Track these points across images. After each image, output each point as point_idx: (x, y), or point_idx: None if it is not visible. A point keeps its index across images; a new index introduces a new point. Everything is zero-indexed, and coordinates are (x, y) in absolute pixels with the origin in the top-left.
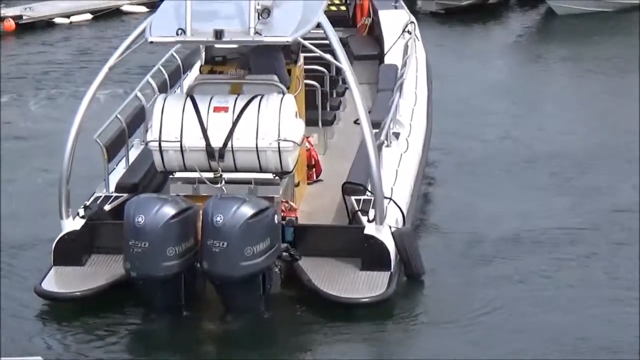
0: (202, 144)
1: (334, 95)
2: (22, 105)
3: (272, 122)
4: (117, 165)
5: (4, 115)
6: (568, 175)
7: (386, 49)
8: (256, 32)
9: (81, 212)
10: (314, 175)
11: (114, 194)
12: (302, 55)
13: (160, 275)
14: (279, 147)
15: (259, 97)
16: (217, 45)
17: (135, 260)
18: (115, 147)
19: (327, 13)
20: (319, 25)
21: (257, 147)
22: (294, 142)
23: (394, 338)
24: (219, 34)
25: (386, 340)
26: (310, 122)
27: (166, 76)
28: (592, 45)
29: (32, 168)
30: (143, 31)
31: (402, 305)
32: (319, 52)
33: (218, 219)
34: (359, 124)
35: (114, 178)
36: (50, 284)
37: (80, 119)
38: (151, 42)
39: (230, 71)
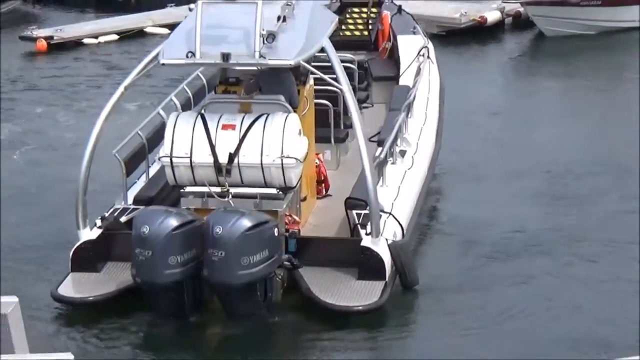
0: (211, 160)
1: (349, 114)
2: (53, 117)
3: (276, 140)
4: (138, 179)
5: (38, 125)
6: (564, 182)
7: (402, 71)
8: (261, 56)
9: (98, 222)
10: (324, 190)
11: (132, 206)
12: (312, 77)
13: (161, 282)
14: (282, 164)
15: (265, 116)
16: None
17: (140, 267)
18: (134, 162)
19: (352, 38)
20: (323, 50)
21: (261, 164)
22: (296, 159)
23: (386, 344)
24: (225, 57)
25: (379, 346)
26: (323, 140)
27: (190, 95)
28: (577, 63)
29: (62, 175)
30: (157, 54)
31: (396, 313)
32: (319, 74)
33: (217, 229)
34: (374, 141)
35: (134, 191)
36: (66, 289)
37: (96, 136)
38: (163, 64)
39: (241, 91)
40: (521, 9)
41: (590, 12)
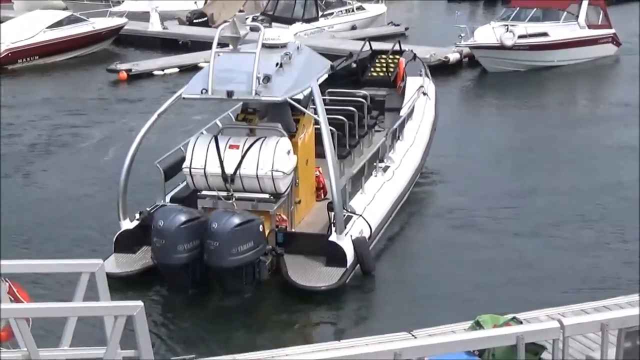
0: (219, 171)
1: (356, 137)
2: (133, 125)
3: (268, 157)
4: (181, 183)
5: (122, 130)
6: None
7: (403, 104)
8: (256, 93)
9: (137, 216)
10: (322, 194)
11: (168, 204)
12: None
13: (172, 264)
14: (272, 175)
15: (262, 139)
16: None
17: (156, 252)
18: (172, 170)
19: (376, 77)
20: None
21: (257, 175)
22: (284, 172)
23: (344, 312)
24: (229, 94)
25: (338, 313)
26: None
27: (233, 119)
28: (510, 91)
29: (140, 167)
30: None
31: (354, 291)
32: (301, 108)
33: (214, 225)
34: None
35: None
36: (107, 266)
37: (135, 147)
38: (184, 98)
39: (255, 119)
40: None
41: (521, 54)
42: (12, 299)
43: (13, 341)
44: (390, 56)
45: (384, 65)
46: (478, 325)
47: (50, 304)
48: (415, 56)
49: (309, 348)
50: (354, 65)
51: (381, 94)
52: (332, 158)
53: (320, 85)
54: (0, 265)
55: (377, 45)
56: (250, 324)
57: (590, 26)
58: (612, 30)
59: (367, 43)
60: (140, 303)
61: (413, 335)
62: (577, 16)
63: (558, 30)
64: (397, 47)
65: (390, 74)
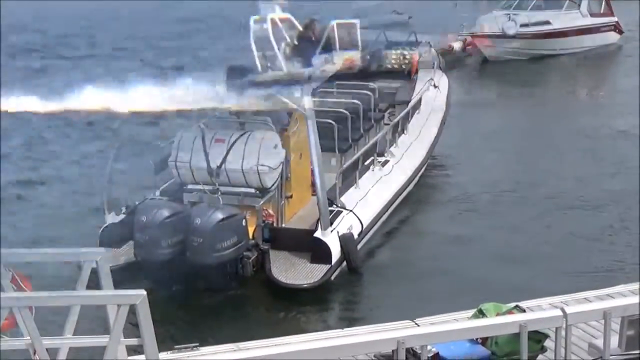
0: (205, 165)
1: (360, 131)
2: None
3: (254, 151)
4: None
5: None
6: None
7: (412, 97)
8: None
9: (123, 209)
10: None
11: (158, 198)
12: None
13: (156, 260)
14: (258, 170)
15: (248, 133)
16: None
17: (139, 247)
18: (164, 163)
19: (390, 69)
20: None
21: (242, 169)
22: (269, 166)
23: (329, 307)
24: None
25: (322, 309)
26: (330, 149)
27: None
28: (512, 79)
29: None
30: None
31: (339, 288)
32: (291, 104)
33: (197, 221)
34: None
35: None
36: None
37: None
38: None
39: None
40: None
41: (523, 43)
42: (15, 287)
43: (16, 330)
44: (406, 47)
45: (399, 56)
46: (481, 314)
47: (53, 293)
48: (430, 48)
49: (313, 336)
50: (368, 56)
51: (393, 87)
52: (316, 152)
53: (329, 78)
54: (0, 255)
55: (390, 36)
56: (237, 319)
57: (592, 14)
58: (615, 19)
59: (382, 34)
60: (143, 292)
61: (416, 324)
62: (579, 4)
63: (560, 19)
64: (412, 38)
65: (404, 66)
